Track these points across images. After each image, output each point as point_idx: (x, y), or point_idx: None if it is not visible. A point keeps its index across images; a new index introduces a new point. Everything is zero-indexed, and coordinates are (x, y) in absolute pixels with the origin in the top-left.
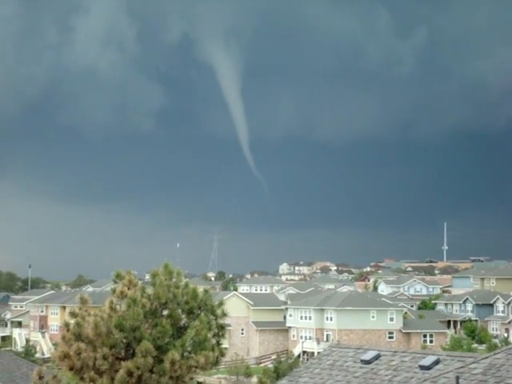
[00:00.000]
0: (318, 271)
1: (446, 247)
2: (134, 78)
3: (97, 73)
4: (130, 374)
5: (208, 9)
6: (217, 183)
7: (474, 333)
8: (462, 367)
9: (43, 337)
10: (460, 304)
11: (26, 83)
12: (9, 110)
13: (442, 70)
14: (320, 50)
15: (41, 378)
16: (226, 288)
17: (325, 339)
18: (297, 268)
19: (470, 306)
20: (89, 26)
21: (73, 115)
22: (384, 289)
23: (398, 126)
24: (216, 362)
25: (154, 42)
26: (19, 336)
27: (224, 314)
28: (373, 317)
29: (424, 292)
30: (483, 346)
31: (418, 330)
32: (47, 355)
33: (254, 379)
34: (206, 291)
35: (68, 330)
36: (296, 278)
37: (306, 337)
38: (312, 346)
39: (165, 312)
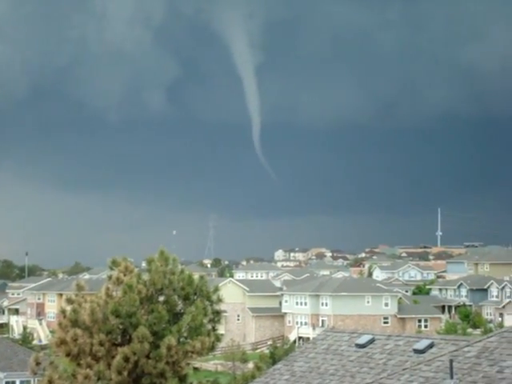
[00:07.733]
0: (313, 258)
1: (441, 233)
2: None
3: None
4: (126, 359)
5: None
6: (215, 170)
7: (469, 317)
8: (455, 350)
9: (40, 324)
10: (454, 289)
11: None
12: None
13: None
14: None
15: (38, 364)
16: (221, 275)
17: (320, 325)
18: (292, 254)
19: (464, 291)
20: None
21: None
22: (379, 274)
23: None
24: (212, 348)
25: None
26: (16, 323)
27: (219, 300)
28: (368, 302)
29: (418, 277)
30: (478, 331)
31: (413, 315)
32: (44, 342)
33: (250, 365)
34: (201, 277)
35: (65, 317)
36: (291, 264)
37: (301, 322)
38: (307, 332)
39: (161, 298)
